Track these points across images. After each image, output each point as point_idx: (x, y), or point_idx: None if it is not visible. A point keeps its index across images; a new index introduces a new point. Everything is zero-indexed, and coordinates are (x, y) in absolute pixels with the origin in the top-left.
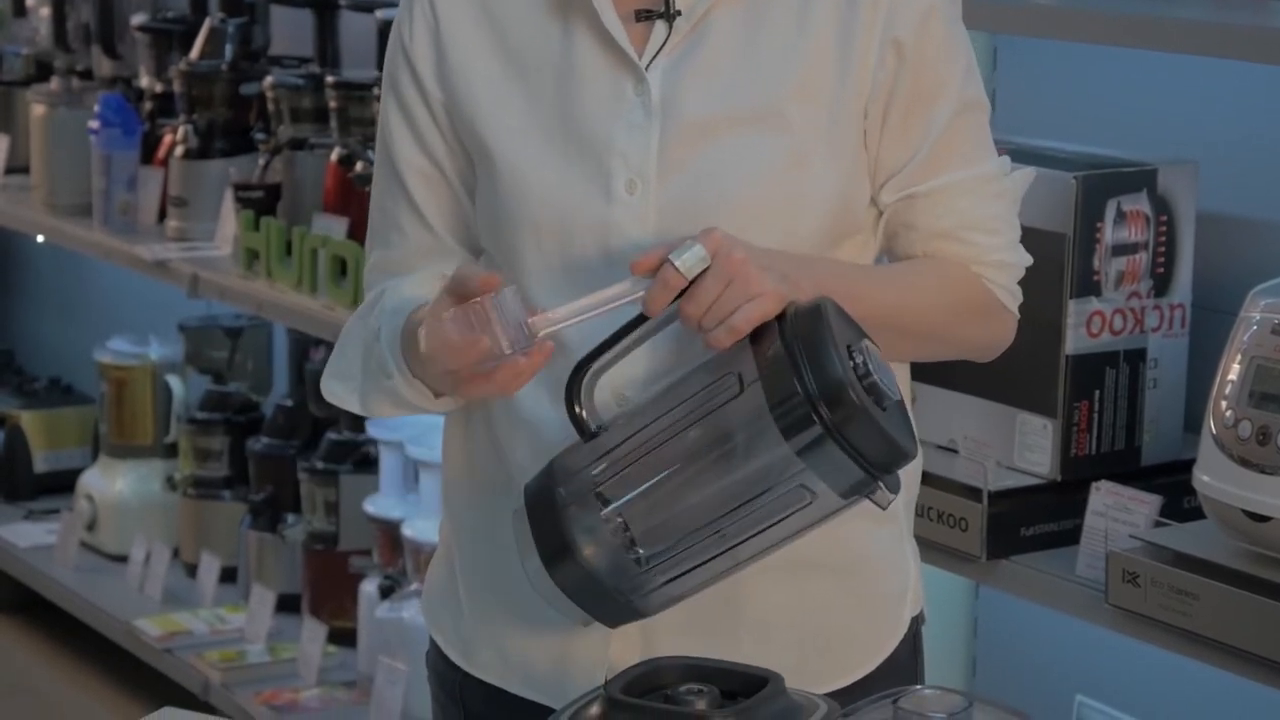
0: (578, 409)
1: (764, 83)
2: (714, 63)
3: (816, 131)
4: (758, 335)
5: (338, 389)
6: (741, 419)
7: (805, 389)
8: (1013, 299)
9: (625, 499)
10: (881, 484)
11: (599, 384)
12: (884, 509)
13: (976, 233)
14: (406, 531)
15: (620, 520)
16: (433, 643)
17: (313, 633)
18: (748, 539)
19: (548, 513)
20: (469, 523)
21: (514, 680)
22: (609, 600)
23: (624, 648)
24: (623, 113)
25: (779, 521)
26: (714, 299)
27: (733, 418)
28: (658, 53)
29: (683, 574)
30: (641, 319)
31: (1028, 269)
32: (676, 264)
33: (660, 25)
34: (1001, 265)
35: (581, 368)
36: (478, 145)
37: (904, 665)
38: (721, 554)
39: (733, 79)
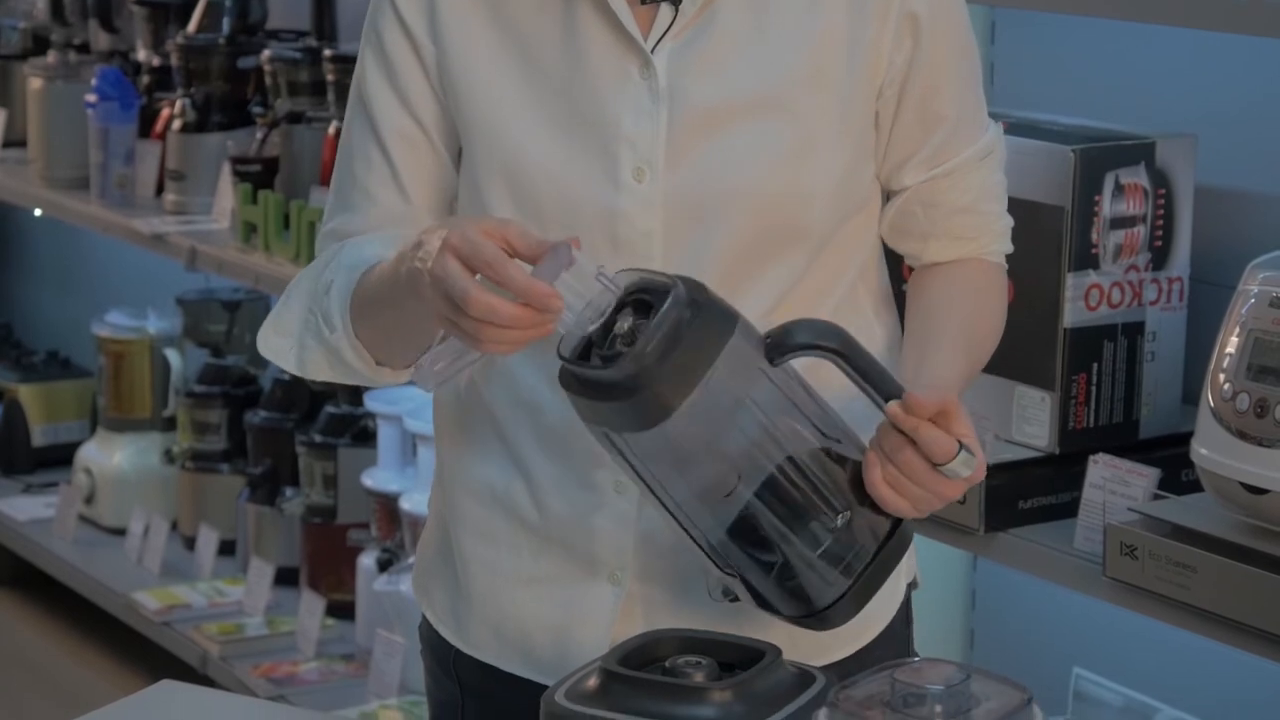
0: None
1: (774, 70)
2: (722, 48)
3: (827, 118)
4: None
5: (276, 344)
6: (797, 505)
7: (848, 593)
8: (1003, 255)
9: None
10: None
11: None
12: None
13: (988, 202)
14: (405, 504)
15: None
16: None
17: (311, 606)
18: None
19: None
20: (467, 504)
21: (510, 659)
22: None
23: (626, 627)
24: (629, 97)
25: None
26: (920, 482)
27: (801, 490)
28: (663, 36)
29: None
30: (870, 368)
31: (1026, 242)
32: (954, 462)
33: (666, 8)
34: (1006, 229)
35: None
36: (470, 119)
37: (898, 633)
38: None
39: (742, 65)
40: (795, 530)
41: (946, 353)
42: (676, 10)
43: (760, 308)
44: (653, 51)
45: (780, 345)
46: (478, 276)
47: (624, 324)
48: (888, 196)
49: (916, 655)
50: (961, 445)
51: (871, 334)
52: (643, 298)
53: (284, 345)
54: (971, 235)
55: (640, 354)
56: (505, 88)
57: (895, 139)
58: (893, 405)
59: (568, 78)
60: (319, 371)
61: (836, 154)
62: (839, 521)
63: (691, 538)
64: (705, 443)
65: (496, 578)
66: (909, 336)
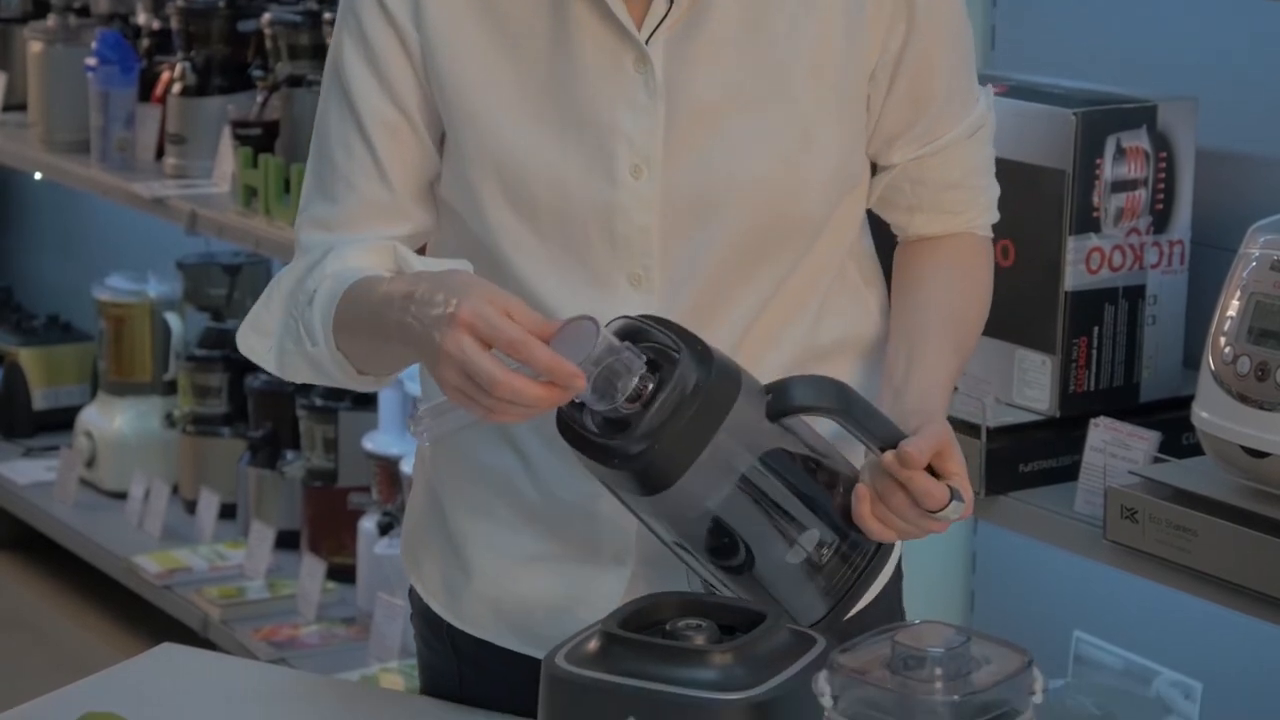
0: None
1: (772, 60)
2: (718, 40)
3: (824, 106)
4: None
5: (255, 343)
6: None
7: (833, 611)
8: (990, 226)
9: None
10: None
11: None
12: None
13: (977, 176)
14: (405, 468)
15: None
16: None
17: (312, 569)
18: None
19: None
20: (465, 485)
21: (509, 636)
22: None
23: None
24: (624, 92)
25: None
26: (910, 521)
27: (782, 526)
28: (657, 26)
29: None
30: (867, 419)
31: (1027, 205)
32: (946, 509)
33: None
34: (993, 200)
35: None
36: (459, 112)
37: (891, 591)
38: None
39: (739, 57)
40: (785, 562)
41: (936, 351)
42: (671, 1)
43: (758, 298)
44: (647, 42)
45: (781, 405)
46: (493, 350)
47: (627, 382)
48: (874, 169)
49: (903, 609)
50: (953, 494)
51: (865, 304)
52: (643, 349)
53: (263, 346)
54: (959, 210)
55: (648, 429)
56: (495, 82)
57: (885, 118)
58: (889, 457)
59: (560, 71)
60: (298, 374)
61: (832, 141)
62: (828, 552)
63: (683, 561)
64: (703, 496)
65: (497, 555)
66: (898, 330)
